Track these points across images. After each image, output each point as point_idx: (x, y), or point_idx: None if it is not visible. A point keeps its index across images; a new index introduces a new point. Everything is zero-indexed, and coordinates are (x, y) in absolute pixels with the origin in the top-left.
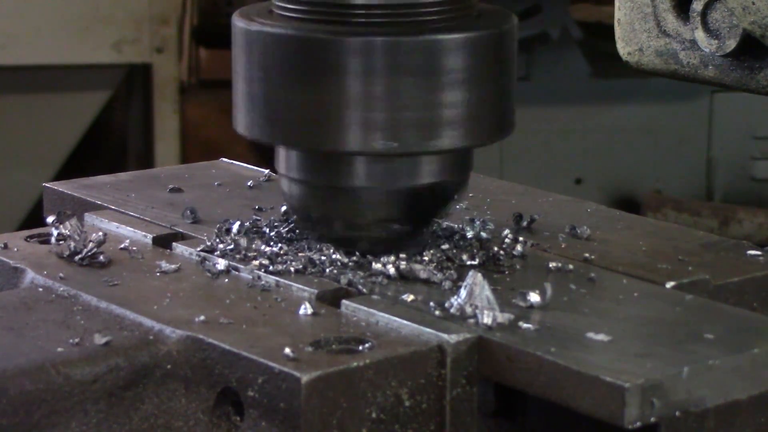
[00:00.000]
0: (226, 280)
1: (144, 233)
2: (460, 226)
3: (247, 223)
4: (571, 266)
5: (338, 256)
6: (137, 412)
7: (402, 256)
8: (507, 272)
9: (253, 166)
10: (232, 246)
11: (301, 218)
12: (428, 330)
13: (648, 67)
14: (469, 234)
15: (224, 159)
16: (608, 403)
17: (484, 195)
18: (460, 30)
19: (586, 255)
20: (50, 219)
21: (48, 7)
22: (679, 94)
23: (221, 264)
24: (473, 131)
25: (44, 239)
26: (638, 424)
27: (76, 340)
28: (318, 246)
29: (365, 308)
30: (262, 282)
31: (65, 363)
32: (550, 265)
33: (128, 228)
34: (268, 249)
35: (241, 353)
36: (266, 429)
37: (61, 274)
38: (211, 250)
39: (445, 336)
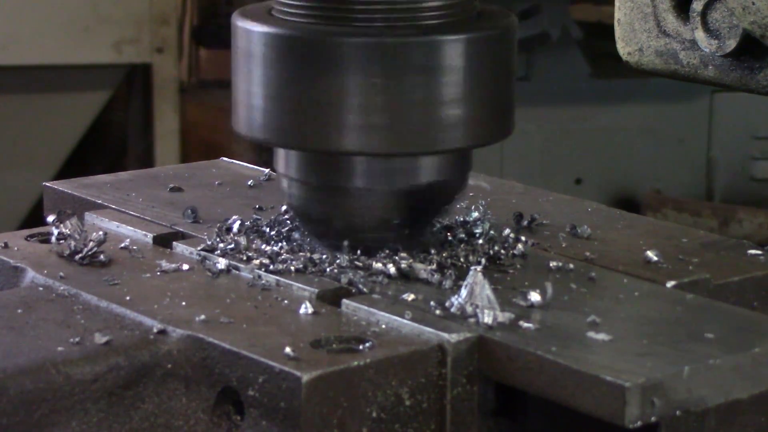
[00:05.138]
0: (227, 279)
1: (144, 232)
2: (461, 221)
3: (248, 223)
4: (571, 265)
5: (338, 256)
6: (137, 412)
7: (403, 255)
8: (508, 271)
9: (253, 165)
10: (232, 245)
11: (300, 218)
12: (429, 329)
13: (648, 67)
14: (477, 231)
15: (224, 158)
16: (609, 403)
17: (484, 195)
18: (460, 30)
19: (587, 254)
20: (50, 218)
21: (48, 7)
22: (679, 94)
23: (222, 263)
24: (473, 131)
25: (44, 238)
26: (639, 423)
27: (77, 339)
28: (318, 245)
29: (366, 307)
30: (263, 281)
31: (65, 362)
32: (551, 265)
33: (128, 227)
34: (268, 248)
35: (242, 352)
36: (266, 428)
37: (61, 274)
38: (211, 250)
39: (445, 335)
